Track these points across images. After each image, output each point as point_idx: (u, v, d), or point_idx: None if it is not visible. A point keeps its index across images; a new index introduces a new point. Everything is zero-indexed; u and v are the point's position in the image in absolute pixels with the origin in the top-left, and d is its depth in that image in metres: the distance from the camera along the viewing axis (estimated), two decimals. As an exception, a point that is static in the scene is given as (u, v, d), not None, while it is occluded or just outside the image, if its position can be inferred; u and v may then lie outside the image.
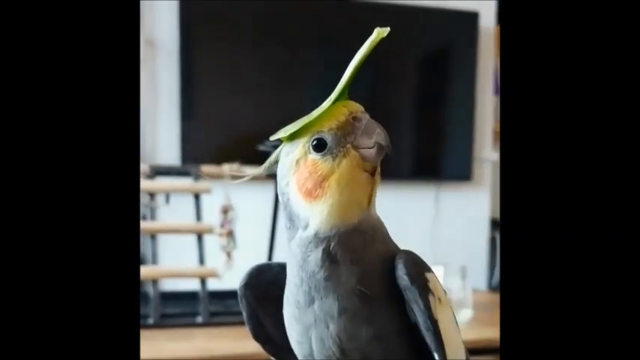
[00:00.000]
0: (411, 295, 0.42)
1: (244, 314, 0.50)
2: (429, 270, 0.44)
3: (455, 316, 0.46)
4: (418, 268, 0.43)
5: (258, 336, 0.50)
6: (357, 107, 0.44)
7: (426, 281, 0.43)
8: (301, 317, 0.45)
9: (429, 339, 0.43)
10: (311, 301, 0.44)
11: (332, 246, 0.42)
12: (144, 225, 1.25)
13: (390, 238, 0.46)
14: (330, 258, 0.43)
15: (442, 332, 0.42)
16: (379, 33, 0.41)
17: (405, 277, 0.42)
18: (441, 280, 0.46)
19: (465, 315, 1.34)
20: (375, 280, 0.43)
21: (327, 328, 0.43)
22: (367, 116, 0.43)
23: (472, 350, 0.47)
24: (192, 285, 1.29)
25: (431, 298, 0.42)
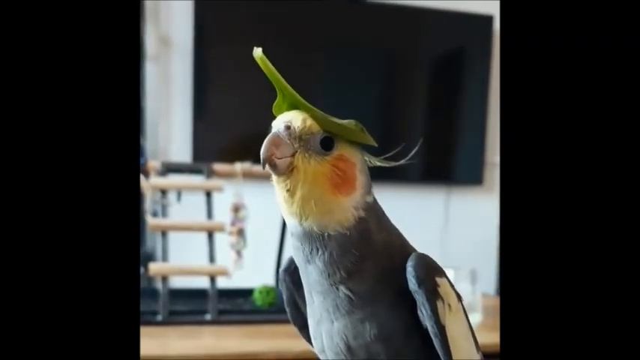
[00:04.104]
0: (419, 299, 0.42)
1: (284, 298, 0.50)
2: (442, 275, 0.43)
3: (469, 325, 0.45)
4: (428, 271, 0.43)
5: (296, 321, 0.51)
6: (278, 122, 0.43)
7: (435, 285, 0.42)
8: (311, 312, 0.45)
9: (436, 345, 0.42)
10: (312, 298, 0.44)
11: (307, 247, 0.43)
12: (155, 222, 1.26)
13: (404, 241, 0.45)
14: (306, 258, 0.43)
15: (450, 339, 0.42)
16: (256, 53, 0.41)
17: (413, 280, 0.42)
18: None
19: (474, 319, 1.33)
20: (371, 282, 0.43)
21: (332, 324, 0.43)
22: (277, 129, 0.43)
23: (480, 354, 0.47)
24: (201, 282, 1.29)
25: (439, 303, 0.42)
